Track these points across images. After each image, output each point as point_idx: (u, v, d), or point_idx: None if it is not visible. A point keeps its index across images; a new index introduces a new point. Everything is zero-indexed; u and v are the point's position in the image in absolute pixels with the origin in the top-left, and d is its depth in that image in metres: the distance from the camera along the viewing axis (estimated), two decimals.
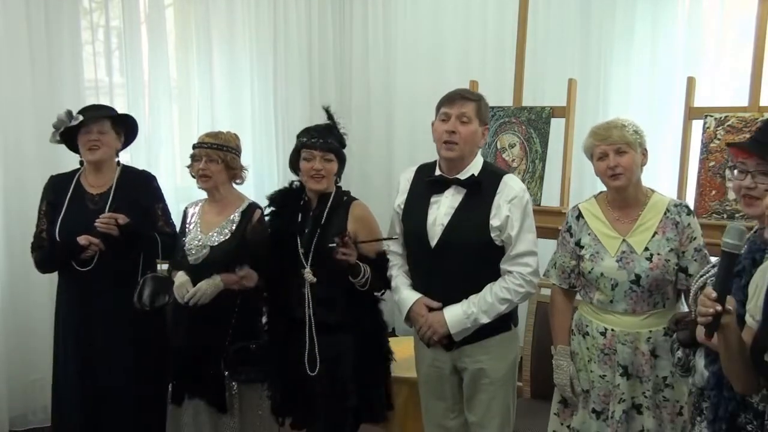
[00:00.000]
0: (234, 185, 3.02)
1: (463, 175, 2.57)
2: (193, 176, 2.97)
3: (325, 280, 2.63)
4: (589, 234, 2.54)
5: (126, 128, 3.08)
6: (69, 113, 2.92)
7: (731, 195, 3.00)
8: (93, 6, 4.22)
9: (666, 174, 3.69)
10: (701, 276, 2.13)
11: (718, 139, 3.17)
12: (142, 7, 4.32)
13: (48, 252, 2.96)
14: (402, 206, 2.69)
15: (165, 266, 3.09)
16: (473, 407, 2.63)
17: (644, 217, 2.47)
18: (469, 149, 2.55)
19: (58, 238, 2.91)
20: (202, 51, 4.53)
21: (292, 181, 2.83)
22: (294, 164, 2.77)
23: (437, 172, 2.63)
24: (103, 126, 2.95)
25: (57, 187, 3.02)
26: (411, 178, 2.71)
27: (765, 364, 1.69)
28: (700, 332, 1.83)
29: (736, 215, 2.94)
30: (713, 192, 3.15)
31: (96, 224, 2.83)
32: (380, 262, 2.69)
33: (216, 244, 2.88)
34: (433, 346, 2.62)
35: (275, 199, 2.83)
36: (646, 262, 2.41)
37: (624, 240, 2.47)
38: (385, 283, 2.72)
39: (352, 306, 2.67)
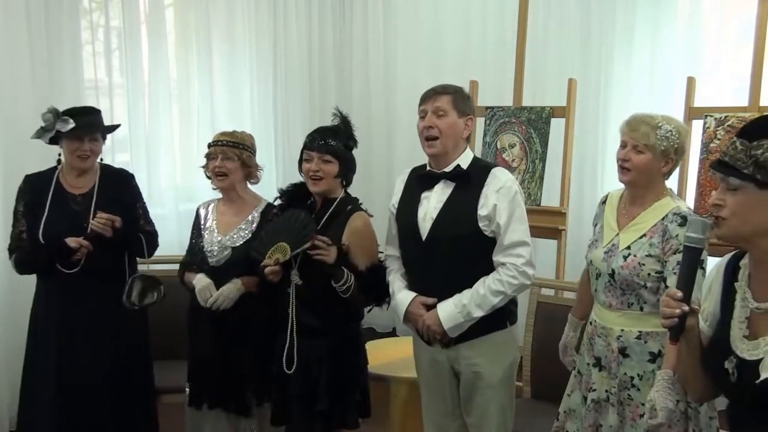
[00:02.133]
0: (249, 185, 3.02)
1: (449, 168, 2.57)
2: (208, 176, 2.96)
3: (310, 283, 2.62)
4: (601, 221, 2.56)
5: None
6: (56, 112, 2.87)
7: None
8: (93, 6, 4.22)
9: None
10: None
11: (718, 139, 3.18)
12: (142, 7, 4.32)
13: (29, 253, 2.92)
14: (396, 206, 2.70)
15: (153, 266, 3.08)
16: (470, 410, 2.63)
17: (642, 217, 2.44)
18: (452, 143, 2.55)
19: (42, 240, 2.87)
20: (202, 51, 4.53)
21: None
22: (300, 166, 2.76)
23: (427, 169, 2.64)
24: (95, 135, 2.94)
25: (35, 187, 2.98)
26: (405, 179, 2.73)
27: (724, 371, 1.59)
28: None
29: None
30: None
31: (92, 224, 2.80)
32: (370, 276, 2.65)
33: (237, 245, 2.87)
34: (433, 344, 2.62)
35: (286, 193, 2.84)
36: (621, 259, 2.41)
37: (618, 234, 2.46)
38: (375, 299, 2.71)
39: (332, 313, 2.65)
